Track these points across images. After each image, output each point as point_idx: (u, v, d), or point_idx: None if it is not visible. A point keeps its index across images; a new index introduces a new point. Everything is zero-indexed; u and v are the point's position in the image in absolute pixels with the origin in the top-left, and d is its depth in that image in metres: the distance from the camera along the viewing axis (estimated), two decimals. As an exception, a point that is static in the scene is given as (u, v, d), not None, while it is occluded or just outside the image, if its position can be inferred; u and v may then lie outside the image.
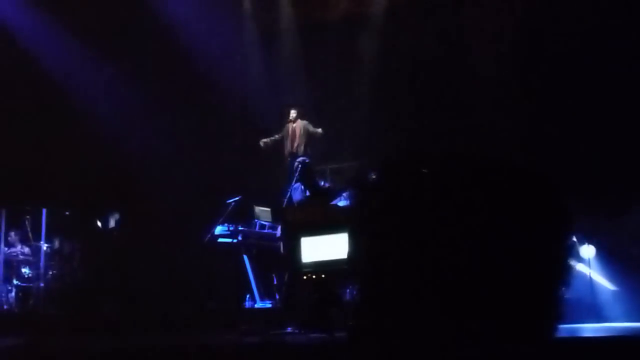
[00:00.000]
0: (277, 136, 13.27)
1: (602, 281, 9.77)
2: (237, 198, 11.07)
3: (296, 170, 10.18)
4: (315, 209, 8.56)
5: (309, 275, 7.95)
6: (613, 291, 9.74)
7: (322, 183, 10.97)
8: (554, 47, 12.26)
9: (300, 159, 10.48)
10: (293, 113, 13.24)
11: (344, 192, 9.86)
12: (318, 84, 14.50)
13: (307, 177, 9.95)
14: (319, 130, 13.02)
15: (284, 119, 13.34)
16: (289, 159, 12.73)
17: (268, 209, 11.37)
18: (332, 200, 9.49)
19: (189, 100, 14.63)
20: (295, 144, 13.11)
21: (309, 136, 13.14)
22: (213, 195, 12.19)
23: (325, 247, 7.85)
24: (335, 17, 14.80)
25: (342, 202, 9.76)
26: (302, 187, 10.24)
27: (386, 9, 14.44)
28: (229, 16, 14.73)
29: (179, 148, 14.10)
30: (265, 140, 13.25)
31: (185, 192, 13.40)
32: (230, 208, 10.90)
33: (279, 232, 10.61)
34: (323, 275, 7.77)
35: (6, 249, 12.51)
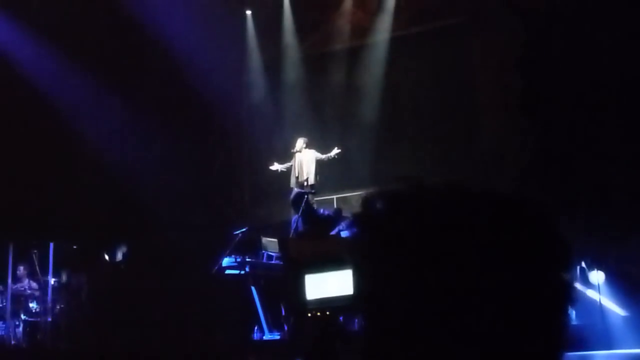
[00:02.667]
0: (288, 164, 13.21)
1: (613, 307, 9.67)
2: (244, 229, 11.09)
3: (292, 203, 10.35)
4: (319, 243, 8.52)
5: (314, 312, 7.89)
6: (624, 317, 9.63)
7: (322, 211, 11.01)
8: (556, 73, 12.40)
9: (294, 192, 10.61)
10: (300, 142, 13.25)
11: (343, 220, 10.01)
12: (324, 112, 14.71)
13: (304, 207, 10.04)
14: (332, 152, 12.89)
15: (291, 147, 13.40)
16: (295, 189, 12.69)
17: (275, 240, 11.30)
18: (332, 229, 9.49)
19: (196, 132, 14.74)
20: (304, 175, 12.99)
21: (318, 164, 13.09)
22: (220, 227, 12.24)
23: (330, 284, 7.77)
24: (339, 47, 15.01)
25: (344, 233, 9.86)
26: (296, 217, 10.23)
27: (390, 39, 14.62)
28: (233, 47, 15.03)
29: (185, 180, 14.15)
30: (278, 166, 13.17)
31: (192, 223, 13.37)
32: (237, 239, 10.94)
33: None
34: (328, 312, 7.72)
35: (13, 284, 12.29)
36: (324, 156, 12.95)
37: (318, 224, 9.70)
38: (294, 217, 10.50)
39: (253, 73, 15.61)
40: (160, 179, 13.79)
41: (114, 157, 13.92)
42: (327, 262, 7.69)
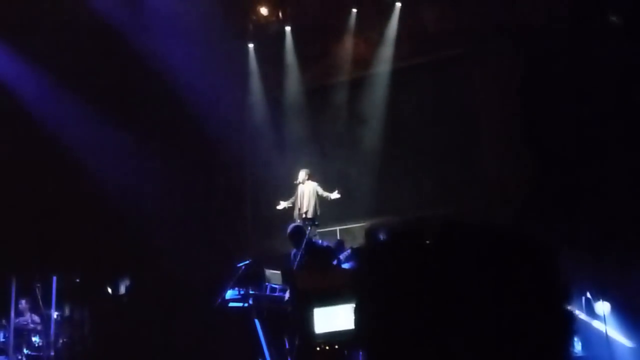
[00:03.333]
0: (292, 199, 13.31)
1: (619, 338, 9.57)
2: (247, 261, 10.96)
3: (289, 236, 10.25)
4: (327, 276, 8.44)
5: (323, 346, 7.79)
6: (630, 348, 9.57)
7: (321, 242, 11.04)
8: (558, 102, 12.46)
9: (292, 226, 10.49)
10: (302, 174, 13.33)
11: (342, 252, 10.04)
12: (325, 144, 14.78)
13: (298, 241, 9.95)
14: (332, 195, 13.03)
15: (293, 178, 13.45)
16: (297, 220, 12.66)
17: (278, 272, 11.24)
18: (331, 260, 9.48)
19: (199, 164, 14.73)
20: (305, 206, 13.10)
21: (318, 197, 13.17)
22: (223, 259, 12.20)
23: (338, 318, 7.71)
24: (340, 78, 15.10)
25: (345, 265, 9.82)
26: (296, 251, 10.17)
27: (392, 70, 14.72)
28: (236, 78, 15.13)
29: (188, 212, 14.14)
30: (283, 202, 13.26)
31: (195, 256, 13.31)
32: (240, 272, 10.77)
33: (287, 294, 10.42)
34: (337, 346, 7.64)
35: (16, 318, 12.20)
36: (324, 194, 13.09)
37: (318, 256, 9.56)
38: (293, 251, 10.44)
39: (255, 104, 15.71)
40: (163, 211, 13.73)
41: (117, 190, 13.87)
42: (336, 295, 7.65)
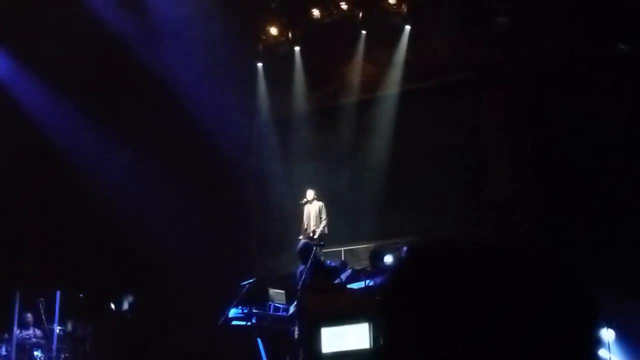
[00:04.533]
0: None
1: (623, 366, 9.52)
2: (251, 280, 10.99)
3: (298, 253, 10.32)
4: (335, 296, 8.57)
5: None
6: (634, 376, 9.46)
7: (328, 262, 11.06)
8: (566, 127, 12.40)
9: (302, 243, 10.65)
10: (310, 194, 13.31)
11: (344, 272, 10.02)
12: (333, 164, 14.67)
13: (306, 259, 9.94)
14: (320, 226, 13.06)
15: (299, 197, 13.46)
16: (302, 240, 12.72)
17: (282, 291, 11.26)
18: (335, 279, 9.54)
19: (204, 182, 14.71)
20: (312, 226, 13.10)
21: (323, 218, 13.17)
22: (227, 278, 12.11)
23: (346, 338, 7.64)
24: (349, 100, 15.09)
25: (355, 285, 9.77)
26: (303, 268, 10.15)
27: (400, 93, 14.70)
28: (244, 98, 15.12)
29: (193, 230, 14.04)
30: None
31: (200, 274, 13.30)
32: (244, 290, 10.74)
33: (291, 309, 10.51)
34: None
35: (18, 331, 12.29)
36: (321, 217, 13.15)
37: (324, 275, 9.73)
38: (300, 268, 10.44)
39: (263, 124, 15.73)
40: (168, 228, 13.73)
41: (122, 207, 13.91)
42: (344, 315, 7.67)
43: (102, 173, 14.36)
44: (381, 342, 1.22)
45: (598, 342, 1.23)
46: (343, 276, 10.15)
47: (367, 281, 9.52)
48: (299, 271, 10.36)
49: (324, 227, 12.98)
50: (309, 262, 10.06)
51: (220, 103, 14.45)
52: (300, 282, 9.97)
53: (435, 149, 14.12)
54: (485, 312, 1.15)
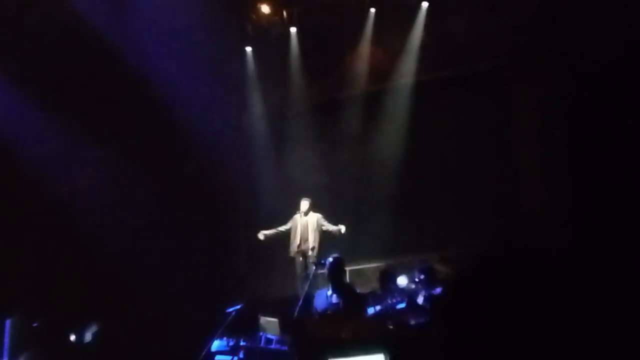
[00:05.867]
0: (281, 228, 13.22)
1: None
2: (238, 306, 10.73)
3: (330, 270, 9.84)
4: (346, 323, 8.15)
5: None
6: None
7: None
8: (608, 128, 12.42)
9: (332, 256, 10.07)
10: (305, 204, 13.25)
11: (372, 297, 9.89)
12: (334, 170, 14.69)
13: (339, 278, 9.70)
14: (338, 228, 12.94)
15: (294, 210, 13.30)
16: (297, 257, 12.91)
17: (275, 320, 11.18)
18: (366, 308, 9.35)
19: (185, 190, 14.68)
20: (310, 241, 13.02)
21: (322, 233, 13.09)
22: (210, 303, 12.21)
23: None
24: (354, 93, 15.02)
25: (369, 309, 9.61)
26: (329, 292, 9.83)
27: (415, 84, 14.62)
28: (231, 93, 15.22)
29: (171, 246, 14.04)
30: (265, 232, 13.22)
31: (177, 298, 13.36)
32: (230, 318, 10.52)
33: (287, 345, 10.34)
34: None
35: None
36: (330, 228, 13.09)
37: (354, 302, 9.49)
38: (324, 291, 10.10)
39: (253, 122, 15.66)
40: (141, 244, 13.67)
41: (87, 218, 13.77)
42: (356, 346, 7.40)
43: (64, 177, 14.27)
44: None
45: None
46: (372, 301, 10.01)
47: (377, 306, 9.51)
48: (323, 294, 10.03)
49: (337, 229, 12.97)
50: (338, 285, 9.70)
51: (203, 95, 14.44)
52: (297, 310, 9.76)
53: (456, 150, 14.17)
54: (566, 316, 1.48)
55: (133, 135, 14.44)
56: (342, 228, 12.91)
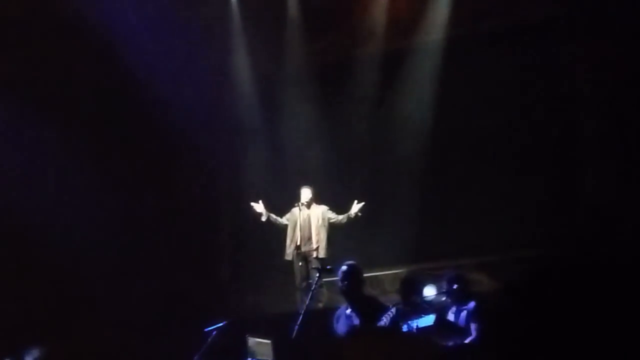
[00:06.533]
0: (281, 220, 12.50)
1: None
2: (221, 324, 10.19)
3: (344, 282, 8.97)
4: (379, 345, 7.17)
5: None
6: None
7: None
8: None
9: (346, 264, 9.14)
10: (306, 194, 12.46)
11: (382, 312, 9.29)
12: (342, 152, 14.14)
13: (357, 291, 9.01)
14: (353, 210, 12.09)
15: (293, 202, 12.64)
16: (296, 262, 12.20)
17: (268, 342, 10.26)
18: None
19: (156, 180, 14.27)
20: (313, 241, 12.27)
21: (331, 228, 12.33)
22: (187, 320, 11.98)
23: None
24: (367, 52, 14.27)
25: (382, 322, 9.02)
26: (349, 311, 9.04)
27: (446, 40, 13.80)
28: (211, 52, 14.57)
29: (137, 249, 13.68)
30: (260, 208, 12.40)
31: (146, 315, 13.01)
32: (211, 339, 10.03)
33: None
34: None
35: None
36: (340, 217, 12.33)
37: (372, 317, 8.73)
38: (344, 309, 9.20)
39: (239, 88, 14.86)
40: (99, 247, 13.28)
41: (31, 216, 13.23)
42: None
43: (4, 165, 13.85)
44: None
45: None
46: (385, 319, 9.05)
47: (414, 322, 8.75)
48: (342, 313, 9.16)
49: (356, 211, 12.07)
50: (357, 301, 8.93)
51: (179, 60, 13.96)
52: (296, 328, 8.84)
53: (499, 126, 13.42)
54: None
55: (94, 112, 14.35)
56: (356, 208, 12.02)
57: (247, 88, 15.01)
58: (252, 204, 12.41)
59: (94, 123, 14.07)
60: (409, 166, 13.92)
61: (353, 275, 8.85)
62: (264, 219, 12.35)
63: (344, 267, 8.87)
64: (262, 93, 14.97)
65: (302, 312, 9.35)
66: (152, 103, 13.72)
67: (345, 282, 8.81)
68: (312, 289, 9.71)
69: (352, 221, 12.20)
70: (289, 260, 12.39)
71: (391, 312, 9.14)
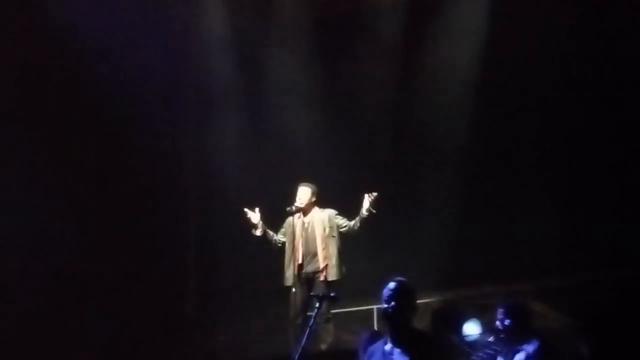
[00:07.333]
0: (278, 237, 11.07)
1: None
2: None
3: (390, 301, 7.16)
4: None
5: None
6: None
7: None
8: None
9: (396, 280, 7.34)
10: (305, 193, 11.10)
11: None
12: (347, 135, 13.13)
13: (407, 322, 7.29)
14: (364, 207, 10.65)
15: (289, 206, 11.44)
16: (297, 288, 10.79)
17: None
18: None
19: (99, 168, 13.08)
20: (320, 258, 10.89)
21: (342, 238, 11.01)
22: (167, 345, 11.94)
23: None
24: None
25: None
26: (388, 347, 7.26)
27: None
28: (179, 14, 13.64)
29: (62, 267, 12.28)
30: (262, 225, 10.89)
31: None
32: None
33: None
34: None
35: None
36: (352, 222, 10.96)
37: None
38: (378, 346, 7.44)
39: (210, 51, 13.69)
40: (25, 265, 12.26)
41: None
42: None
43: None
44: None
45: None
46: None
47: None
48: (380, 350, 7.38)
49: (358, 219, 10.75)
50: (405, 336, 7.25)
51: (131, 10, 12.87)
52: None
53: (567, 98, 11.88)
54: None
55: (29, 87, 12.78)
56: (367, 202, 10.50)
57: (222, 49, 13.64)
58: (246, 210, 11.08)
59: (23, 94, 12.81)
60: (442, 160, 12.98)
61: (403, 295, 7.07)
62: (259, 233, 11.04)
63: (391, 285, 7.13)
64: (242, 55, 13.67)
65: (297, 356, 7.49)
66: (96, 68, 12.76)
67: (393, 304, 7.03)
68: (311, 324, 7.87)
69: (366, 224, 10.83)
70: (289, 286, 11.03)
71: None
